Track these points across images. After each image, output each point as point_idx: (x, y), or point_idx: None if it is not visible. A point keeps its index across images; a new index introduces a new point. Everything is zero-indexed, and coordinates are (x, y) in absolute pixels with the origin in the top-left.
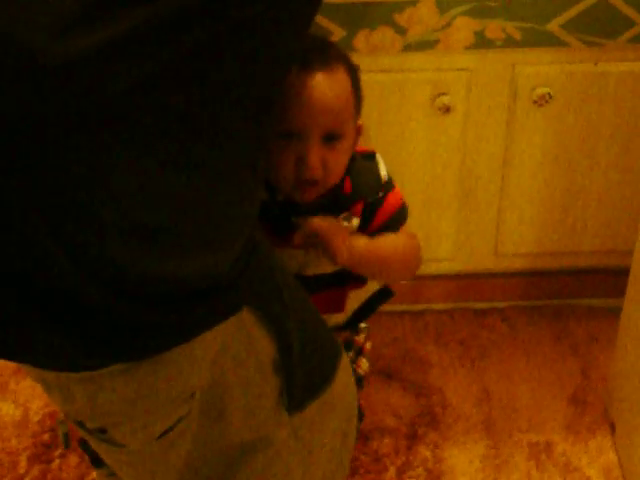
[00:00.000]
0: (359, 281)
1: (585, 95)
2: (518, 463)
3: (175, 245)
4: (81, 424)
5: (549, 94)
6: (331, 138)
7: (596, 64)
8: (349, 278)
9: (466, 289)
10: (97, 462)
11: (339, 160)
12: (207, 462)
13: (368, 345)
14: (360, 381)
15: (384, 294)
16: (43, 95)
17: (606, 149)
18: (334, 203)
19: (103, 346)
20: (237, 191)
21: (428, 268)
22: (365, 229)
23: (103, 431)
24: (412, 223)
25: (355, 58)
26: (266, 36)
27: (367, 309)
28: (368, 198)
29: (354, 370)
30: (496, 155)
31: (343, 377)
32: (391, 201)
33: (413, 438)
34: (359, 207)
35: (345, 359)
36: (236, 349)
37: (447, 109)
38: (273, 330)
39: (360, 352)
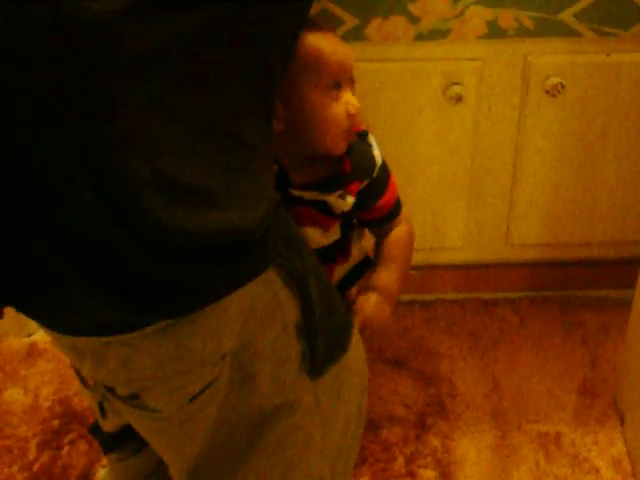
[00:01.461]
0: (346, 256)
1: (597, 85)
2: (527, 453)
3: (206, 200)
4: (112, 391)
5: (561, 84)
6: (352, 82)
7: (609, 54)
8: (338, 254)
9: (476, 279)
10: (107, 447)
11: None
12: (233, 427)
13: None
14: None
15: (366, 265)
16: (82, 49)
17: (618, 139)
18: (330, 181)
19: (138, 304)
20: (258, 146)
21: (438, 258)
22: (363, 211)
23: (135, 397)
24: (423, 212)
25: (367, 47)
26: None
27: (350, 280)
28: (363, 179)
29: None
30: (508, 145)
31: (356, 346)
32: (391, 190)
33: (422, 427)
34: (354, 187)
35: (356, 329)
36: (264, 309)
37: (459, 99)
38: (297, 292)
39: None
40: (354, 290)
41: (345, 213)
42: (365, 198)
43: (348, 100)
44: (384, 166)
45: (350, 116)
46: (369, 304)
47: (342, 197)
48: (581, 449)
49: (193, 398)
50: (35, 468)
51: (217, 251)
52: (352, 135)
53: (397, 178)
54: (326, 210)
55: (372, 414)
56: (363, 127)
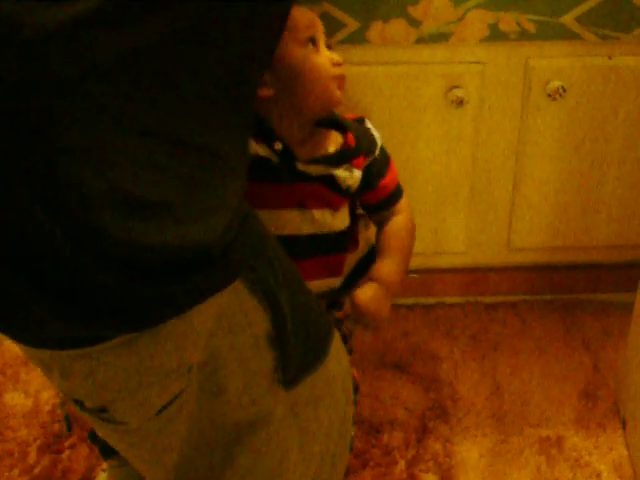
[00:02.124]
0: (355, 244)
1: (599, 89)
2: (528, 457)
3: (165, 214)
4: (81, 404)
5: (563, 87)
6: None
7: (610, 58)
8: (348, 241)
9: (478, 283)
10: (106, 453)
11: None
12: (207, 440)
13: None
14: (346, 340)
15: (373, 255)
16: (28, 65)
17: (620, 143)
18: (337, 154)
19: (100, 319)
20: (227, 155)
21: (440, 261)
22: (368, 190)
23: (103, 410)
24: (424, 216)
25: (369, 50)
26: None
27: (360, 271)
28: (367, 154)
29: (339, 329)
30: (509, 148)
31: (336, 354)
32: (392, 172)
33: (423, 431)
34: (360, 161)
35: (337, 337)
36: (231, 321)
37: (460, 102)
38: (266, 302)
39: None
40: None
41: (351, 193)
42: (369, 175)
43: (330, 58)
44: (384, 148)
45: (335, 64)
46: (366, 296)
47: (349, 170)
48: (582, 453)
49: (160, 411)
50: (36, 472)
51: (178, 265)
52: (342, 83)
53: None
54: (334, 186)
55: (373, 418)
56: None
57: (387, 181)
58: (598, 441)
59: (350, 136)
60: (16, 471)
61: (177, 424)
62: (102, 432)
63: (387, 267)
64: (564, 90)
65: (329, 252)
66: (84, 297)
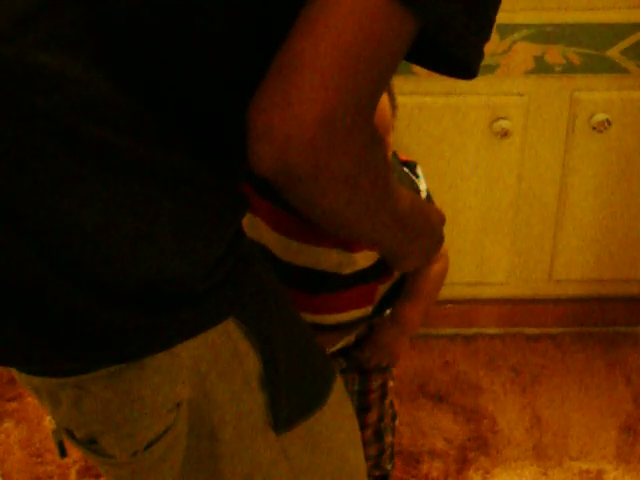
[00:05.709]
0: (389, 274)
1: None
2: None
3: (148, 246)
4: (71, 434)
5: (608, 120)
6: None
7: None
8: (382, 272)
9: (519, 314)
10: None
11: None
12: None
13: None
14: (387, 366)
15: (403, 281)
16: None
17: None
18: None
19: (84, 349)
20: (219, 190)
21: (481, 292)
22: None
23: (93, 442)
24: (466, 246)
25: (414, 81)
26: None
27: (391, 297)
28: None
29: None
30: (553, 181)
31: (338, 398)
32: None
33: (463, 462)
34: None
35: (340, 384)
36: (223, 361)
37: (505, 134)
38: (258, 344)
39: None
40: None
41: None
42: None
43: None
44: (429, 198)
45: None
46: (387, 335)
47: None
48: None
49: (149, 446)
50: None
51: (163, 298)
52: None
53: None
54: None
55: (412, 448)
56: (411, 159)
57: None
58: (639, 476)
59: None
60: None
61: (169, 462)
62: (96, 464)
63: (413, 312)
64: (609, 123)
65: (364, 282)
66: (66, 327)
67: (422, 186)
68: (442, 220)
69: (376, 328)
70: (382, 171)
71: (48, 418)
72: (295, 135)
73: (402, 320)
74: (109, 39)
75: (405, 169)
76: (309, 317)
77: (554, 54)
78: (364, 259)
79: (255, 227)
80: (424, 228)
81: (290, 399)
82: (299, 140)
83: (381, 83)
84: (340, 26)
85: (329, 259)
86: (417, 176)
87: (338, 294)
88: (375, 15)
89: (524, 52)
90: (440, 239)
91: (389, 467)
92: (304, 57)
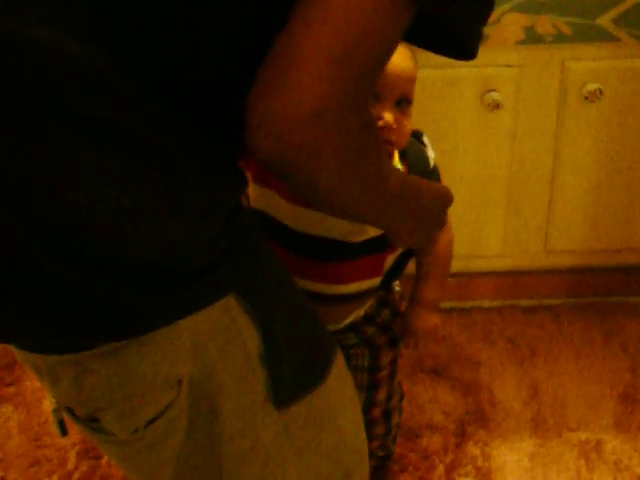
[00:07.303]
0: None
1: (636, 90)
2: (568, 461)
3: (140, 222)
4: (72, 412)
5: (600, 90)
6: (402, 102)
7: None
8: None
9: (515, 286)
10: None
11: (407, 124)
12: (202, 462)
13: (403, 306)
14: (396, 342)
15: (409, 253)
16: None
17: None
18: None
19: (84, 326)
20: (217, 165)
21: (477, 265)
22: None
23: (94, 419)
24: (461, 219)
25: None
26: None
27: (398, 269)
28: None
29: (391, 329)
30: (546, 151)
31: (338, 376)
32: None
33: (462, 436)
34: None
35: (341, 361)
36: (223, 337)
37: (496, 105)
38: (259, 322)
39: (396, 313)
40: (402, 304)
41: None
42: None
43: (379, 113)
44: (436, 168)
45: (382, 124)
46: (421, 320)
47: None
48: (622, 457)
49: (149, 423)
50: (74, 477)
51: (163, 274)
52: (391, 137)
53: None
54: None
55: (411, 422)
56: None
57: None
58: (638, 444)
59: (404, 163)
60: (55, 477)
61: (169, 440)
62: (96, 443)
63: (434, 290)
64: (601, 92)
65: (373, 252)
66: (65, 304)
67: (430, 154)
68: (444, 200)
69: (404, 316)
70: (376, 155)
71: (48, 397)
72: (291, 122)
73: (425, 301)
74: (105, 15)
75: (412, 138)
76: (319, 287)
77: (544, 24)
78: (374, 228)
79: (265, 198)
80: (418, 208)
81: (291, 375)
82: (295, 127)
83: (376, 69)
84: (336, 14)
85: (340, 227)
86: (424, 145)
87: (348, 263)
88: (371, 3)
89: (514, 23)
90: (440, 218)
91: (392, 447)
92: (300, 45)
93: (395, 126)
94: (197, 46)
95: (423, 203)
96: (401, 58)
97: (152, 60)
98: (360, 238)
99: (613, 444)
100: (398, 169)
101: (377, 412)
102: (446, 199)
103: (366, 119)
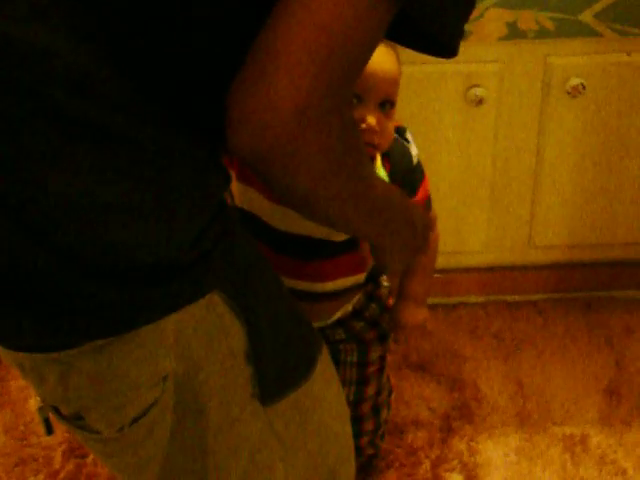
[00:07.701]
0: None
1: (619, 85)
2: (553, 456)
3: (125, 219)
4: (57, 411)
5: (582, 85)
6: (385, 104)
7: (629, 54)
8: None
9: (499, 281)
10: None
11: (391, 126)
12: (188, 458)
13: (391, 301)
14: (385, 337)
15: None
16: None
17: None
18: None
19: (68, 324)
20: (198, 160)
21: (461, 261)
22: None
23: (79, 418)
24: (444, 215)
25: None
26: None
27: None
28: (401, 180)
29: (379, 325)
30: (529, 147)
31: (323, 373)
32: (422, 192)
33: (448, 431)
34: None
35: (326, 358)
36: (208, 334)
37: (479, 101)
38: (244, 319)
39: (384, 308)
40: (390, 300)
41: None
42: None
43: (362, 116)
44: (419, 165)
45: (365, 127)
46: (410, 314)
47: None
48: (607, 451)
49: (135, 421)
50: (60, 476)
51: (147, 270)
52: (372, 140)
53: None
54: None
55: (397, 418)
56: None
57: (417, 198)
58: (623, 438)
59: (387, 163)
60: (41, 476)
61: (155, 438)
62: (82, 441)
63: (421, 285)
64: (584, 87)
65: (355, 250)
66: (50, 301)
67: (413, 151)
68: (427, 221)
69: (393, 311)
70: (356, 157)
71: (34, 396)
72: (270, 123)
73: (413, 295)
74: (93, 15)
75: (395, 135)
76: (303, 285)
77: (527, 19)
78: None
79: (249, 197)
80: (400, 220)
81: (276, 372)
82: (274, 127)
83: (358, 67)
84: (315, 15)
85: (321, 226)
86: (407, 141)
87: (330, 260)
88: (350, 3)
89: (497, 18)
90: (424, 236)
91: (380, 445)
92: (279, 46)
93: (378, 129)
94: (182, 44)
95: (407, 215)
96: (384, 60)
97: (137, 58)
98: (342, 237)
99: (598, 438)
100: (384, 180)
101: (366, 407)
102: (429, 221)
103: (347, 120)
